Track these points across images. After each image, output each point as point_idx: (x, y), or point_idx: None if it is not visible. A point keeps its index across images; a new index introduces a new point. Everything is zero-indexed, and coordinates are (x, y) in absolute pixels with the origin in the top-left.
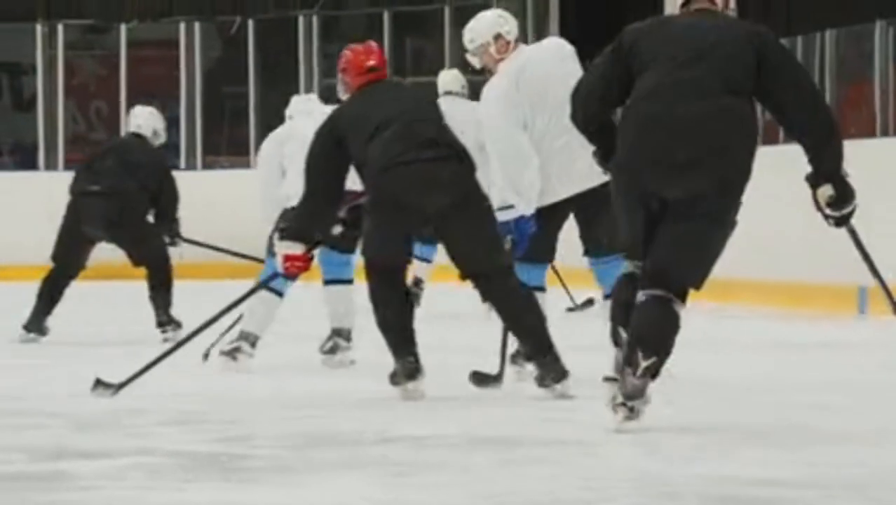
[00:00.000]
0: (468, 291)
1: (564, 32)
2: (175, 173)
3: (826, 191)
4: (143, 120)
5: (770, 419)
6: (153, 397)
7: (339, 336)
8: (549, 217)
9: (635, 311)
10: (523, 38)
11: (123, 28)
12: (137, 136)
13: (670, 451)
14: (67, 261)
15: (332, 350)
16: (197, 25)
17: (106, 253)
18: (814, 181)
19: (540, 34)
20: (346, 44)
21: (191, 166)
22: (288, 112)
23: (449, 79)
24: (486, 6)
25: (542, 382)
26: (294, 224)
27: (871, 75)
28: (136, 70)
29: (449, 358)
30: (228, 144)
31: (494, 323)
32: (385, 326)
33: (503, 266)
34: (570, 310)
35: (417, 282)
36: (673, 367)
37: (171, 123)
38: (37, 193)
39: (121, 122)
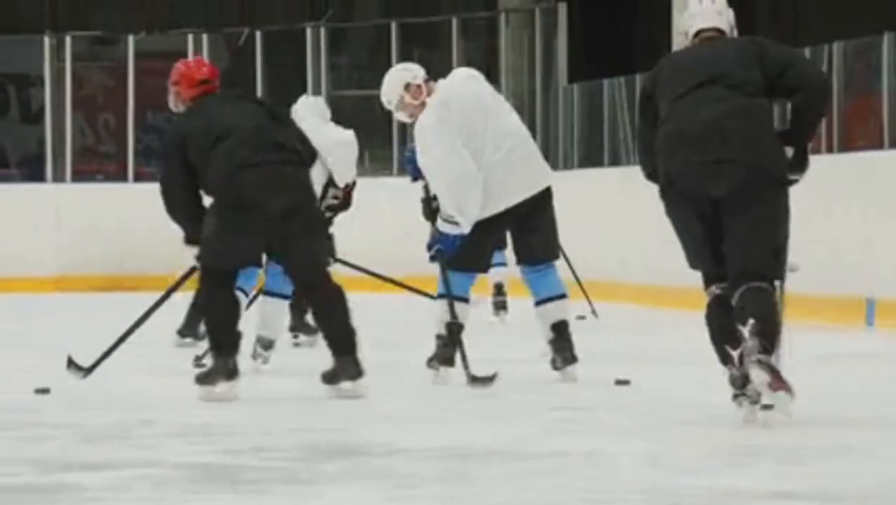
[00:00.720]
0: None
1: (572, 45)
2: None
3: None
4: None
5: (779, 431)
6: (160, 409)
7: (261, 344)
8: (487, 228)
9: (742, 307)
10: (531, 51)
11: (131, 39)
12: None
13: (678, 463)
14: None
15: (254, 356)
16: (205, 37)
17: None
18: (786, 142)
19: (548, 47)
20: (355, 55)
21: None
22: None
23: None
24: (493, 19)
25: (330, 379)
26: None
27: (878, 88)
28: (144, 81)
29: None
30: None
31: (499, 332)
32: (215, 326)
33: (326, 273)
34: (581, 318)
35: (499, 287)
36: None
37: None
38: (44, 205)
39: (128, 134)
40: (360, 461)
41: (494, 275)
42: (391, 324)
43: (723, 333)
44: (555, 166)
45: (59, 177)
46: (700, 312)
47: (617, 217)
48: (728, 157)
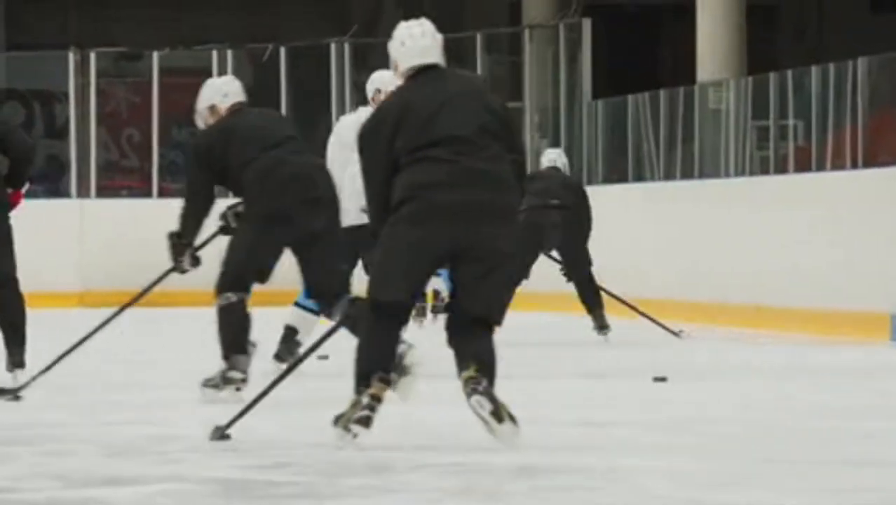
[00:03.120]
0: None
1: (597, 59)
2: None
3: None
4: None
5: (803, 446)
6: (184, 424)
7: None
8: None
9: None
10: (555, 67)
11: (156, 55)
12: None
13: (702, 478)
14: None
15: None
16: (229, 53)
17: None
18: None
19: (572, 62)
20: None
21: (222, 193)
22: None
23: None
24: (517, 35)
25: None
26: None
27: None
28: (169, 97)
29: None
30: None
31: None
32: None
33: None
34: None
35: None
36: None
37: None
38: (68, 220)
39: (153, 149)
40: (384, 476)
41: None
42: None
43: None
44: (578, 181)
45: (83, 192)
46: (721, 326)
47: (641, 233)
48: None
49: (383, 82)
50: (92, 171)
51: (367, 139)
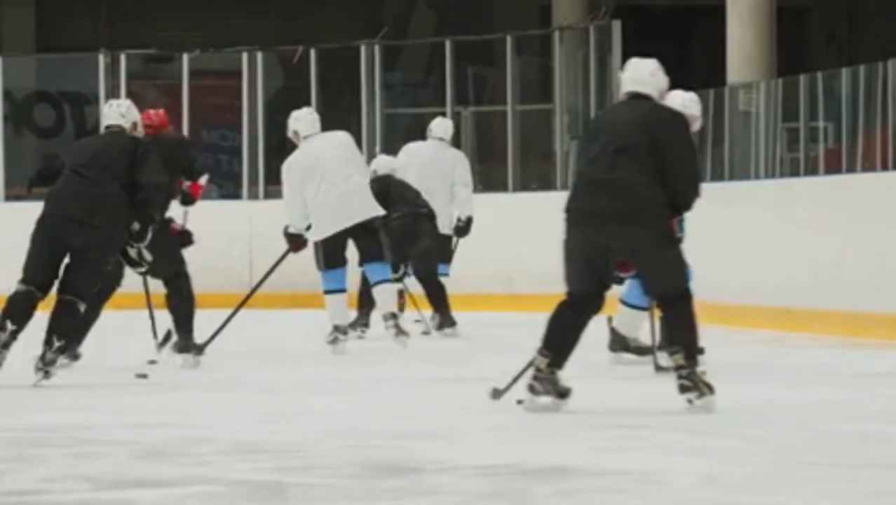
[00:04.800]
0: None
1: (626, 61)
2: (237, 203)
3: None
4: None
5: (835, 449)
6: (214, 426)
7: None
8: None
9: None
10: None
11: (186, 58)
12: None
13: (732, 481)
14: None
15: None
16: (259, 55)
17: None
18: None
19: (602, 64)
20: (409, 73)
21: (253, 196)
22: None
23: (443, 127)
24: (547, 37)
25: None
26: None
27: None
28: (199, 99)
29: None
30: None
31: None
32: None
33: None
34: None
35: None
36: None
37: (233, 153)
38: None
39: None
40: (414, 478)
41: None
42: (440, 339)
43: None
44: None
45: None
46: (744, 329)
47: None
48: None
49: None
50: None
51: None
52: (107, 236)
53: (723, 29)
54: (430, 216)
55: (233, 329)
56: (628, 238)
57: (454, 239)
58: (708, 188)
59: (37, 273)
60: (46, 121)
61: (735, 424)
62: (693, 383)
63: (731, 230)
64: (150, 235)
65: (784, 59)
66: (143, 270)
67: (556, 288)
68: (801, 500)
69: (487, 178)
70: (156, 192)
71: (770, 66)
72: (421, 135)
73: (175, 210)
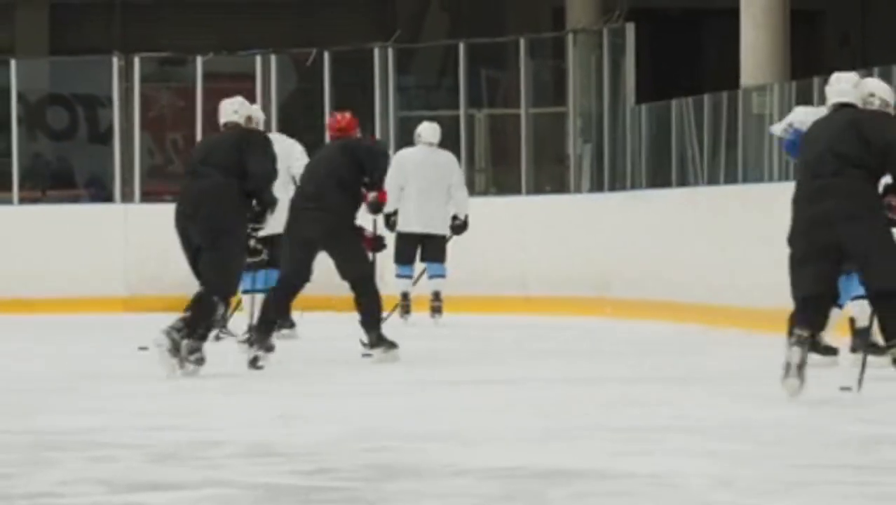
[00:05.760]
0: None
1: (640, 64)
2: None
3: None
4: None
5: (848, 452)
6: (227, 429)
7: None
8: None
9: None
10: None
11: (199, 60)
12: None
13: (744, 484)
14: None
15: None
16: (273, 58)
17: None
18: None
19: (616, 67)
20: (422, 76)
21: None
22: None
23: (430, 131)
24: (561, 39)
25: None
26: None
27: None
28: (213, 102)
29: (515, 392)
30: None
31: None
32: None
33: None
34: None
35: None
36: None
37: None
38: (113, 226)
39: None
40: (426, 481)
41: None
42: (450, 341)
43: None
44: (622, 187)
45: (127, 197)
46: (765, 331)
47: (685, 237)
48: None
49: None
50: (136, 176)
51: None
52: (215, 224)
53: (736, 31)
54: None
55: (241, 331)
56: (856, 235)
57: (448, 237)
58: (722, 191)
59: (192, 270)
60: (60, 123)
61: (747, 426)
62: None
63: (745, 232)
64: (267, 219)
65: (798, 62)
66: (257, 259)
67: (569, 290)
68: (814, 502)
69: (501, 180)
70: (262, 179)
71: (784, 69)
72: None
73: (363, 218)
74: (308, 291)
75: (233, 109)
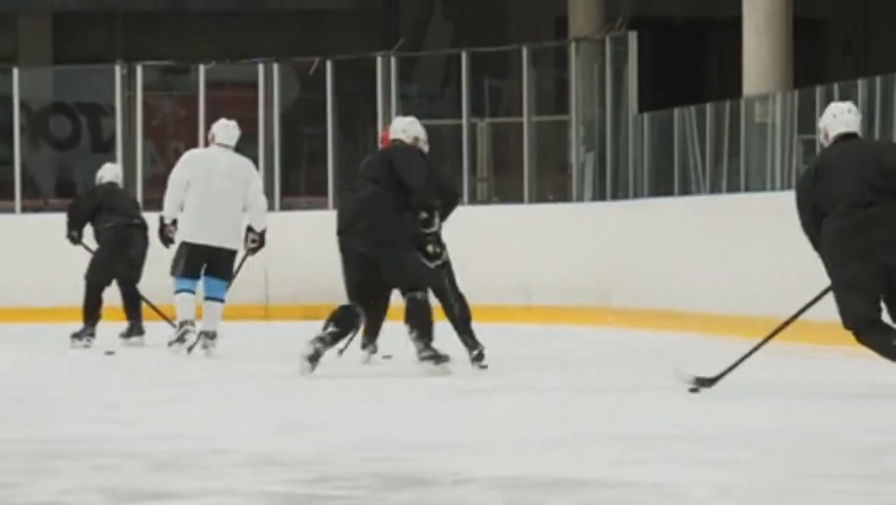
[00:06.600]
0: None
1: (643, 72)
2: None
3: None
4: None
5: (849, 461)
6: (229, 438)
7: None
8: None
9: None
10: (601, 80)
11: (202, 69)
12: None
13: (746, 493)
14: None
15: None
16: (275, 66)
17: None
18: None
19: (618, 76)
20: (425, 84)
21: (269, 207)
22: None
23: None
24: (563, 48)
25: None
26: None
27: None
28: (215, 111)
29: (517, 401)
30: (307, 185)
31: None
32: None
33: None
34: None
35: None
36: None
37: None
38: None
39: None
40: (429, 491)
41: None
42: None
43: None
44: (625, 195)
45: None
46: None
47: (687, 246)
48: None
49: None
50: (139, 184)
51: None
52: (378, 234)
53: (739, 40)
54: (143, 227)
55: (245, 341)
56: None
57: None
58: (725, 200)
59: (353, 294)
60: (63, 132)
61: (749, 435)
62: None
63: (747, 241)
64: (437, 223)
65: (800, 71)
66: (438, 262)
67: (572, 299)
68: None
69: (503, 189)
70: (421, 191)
71: (786, 78)
72: (436, 146)
73: None
74: (315, 299)
75: (401, 128)
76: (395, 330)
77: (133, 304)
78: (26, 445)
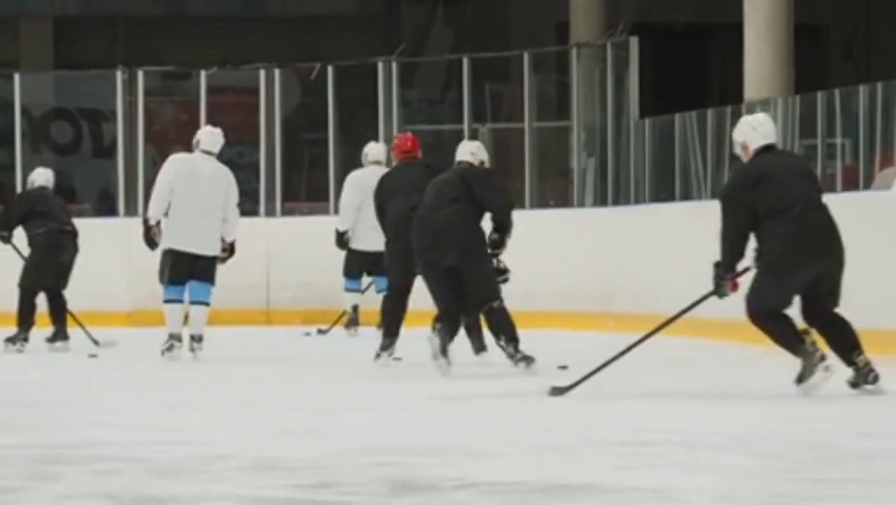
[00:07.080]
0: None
1: (644, 78)
2: (254, 220)
3: None
4: None
5: (850, 466)
6: (230, 443)
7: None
8: None
9: None
10: (602, 85)
11: (203, 74)
12: None
13: (747, 498)
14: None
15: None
16: (277, 72)
17: None
18: None
19: (619, 81)
20: (426, 90)
21: (270, 212)
22: None
23: (377, 150)
24: (564, 53)
25: None
26: None
27: None
28: (216, 116)
29: (518, 406)
30: (308, 190)
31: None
32: None
33: None
34: None
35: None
36: None
37: (251, 169)
38: (117, 239)
39: None
40: (430, 496)
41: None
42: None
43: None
44: (626, 201)
45: (131, 211)
46: (766, 346)
47: (689, 251)
48: None
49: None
50: (140, 190)
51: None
52: (468, 245)
53: (740, 45)
54: (74, 234)
55: (248, 346)
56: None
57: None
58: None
59: (441, 304)
60: (64, 137)
61: (750, 440)
62: None
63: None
64: (506, 244)
65: (801, 76)
66: (504, 278)
67: (573, 305)
68: None
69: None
70: (498, 209)
71: (787, 83)
72: (438, 152)
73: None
74: (316, 304)
75: (470, 151)
76: (407, 336)
77: (59, 309)
78: (27, 449)
